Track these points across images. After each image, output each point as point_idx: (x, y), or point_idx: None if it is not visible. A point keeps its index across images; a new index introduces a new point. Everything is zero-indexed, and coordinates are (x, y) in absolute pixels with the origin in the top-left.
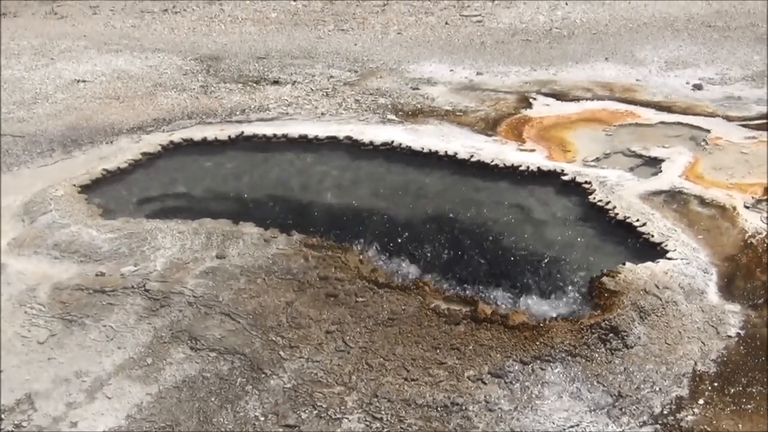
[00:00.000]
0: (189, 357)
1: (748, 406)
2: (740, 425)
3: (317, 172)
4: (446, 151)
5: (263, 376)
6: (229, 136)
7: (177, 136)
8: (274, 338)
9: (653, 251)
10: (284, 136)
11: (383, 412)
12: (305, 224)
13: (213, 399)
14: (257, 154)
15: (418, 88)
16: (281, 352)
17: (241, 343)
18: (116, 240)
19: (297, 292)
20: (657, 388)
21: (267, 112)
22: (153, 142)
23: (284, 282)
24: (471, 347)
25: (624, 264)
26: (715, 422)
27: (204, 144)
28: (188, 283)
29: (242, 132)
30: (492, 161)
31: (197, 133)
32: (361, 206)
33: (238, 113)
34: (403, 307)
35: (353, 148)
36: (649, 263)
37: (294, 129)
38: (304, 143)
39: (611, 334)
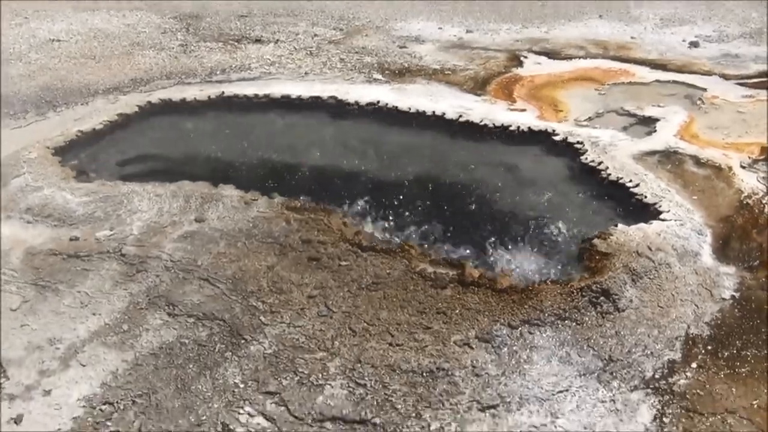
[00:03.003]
0: (166, 323)
1: (743, 370)
2: (734, 389)
3: (300, 134)
4: (434, 111)
5: (243, 342)
6: (209, 97)
7: (155, 97)
8: (254, 303)
9: (646, 212)
10: (266, 96)
11: (367, 378)
12: (287, 186)
13: (191, 366)
14: (238, 115)
15: (405, 47)
16: (262, 318)
17: (220, 308)
18: (91, 203)
19: (278, 256)
20: (649, 352)
21: (248, 72)
22: (130, 102)
23: (265, 246)
24: (457, 311)
25: (616, 225)
26: (708, 386)
27: (183, 105)
28: (166, 248)
29: (222, 92)
30: (481, 121)
31: (176, 94)
32: (345, 168)
33: (218, 73)
34: (387, 271)
35: (338, 108)
36: (641, 225)
37: (276, 89)
38: (286, 104)
39: (602, 297)
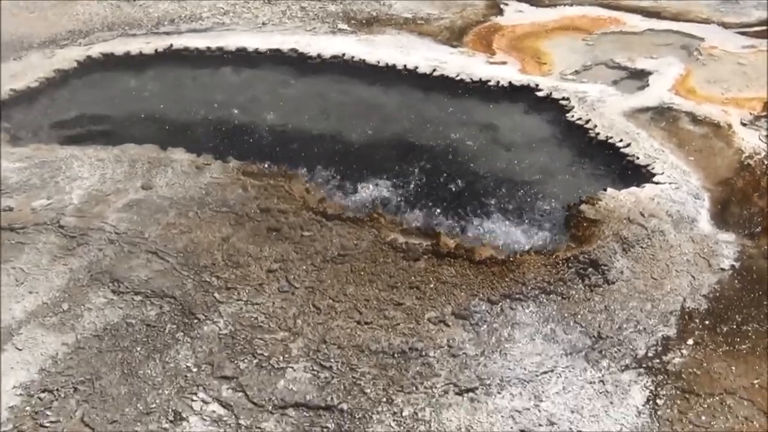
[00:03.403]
0: (111, 302)
1: (743, 346)
2: (734, 367)
3: (258, 90)
4: (405, 65)
5: (196, 321)
6: (156, 50)
7: (96, 51)
8: (208, 279)
9: (638, 175)
10: (220, 49)
11: (333, 360)
12: (244, 149)
13: (139, 348)
14: (188, 70)
15: None
16: (216, 295)
17: (170, 285)
18: (26, 170)
19: (234, 226)
20: (641, 328)
21: (200, 22)
22: (68, 57)
23: (219, 215)
24: (432, 286)
25: (605, 190)
26: (705, 364)
27: (127, 59)
28: (109, 218)
29: (171, 45)
30: (457, 76)
31: (119, 47)
32: (308, 128)
33: (166, 23)
34: (355, 242)
35: (299, 62)
36: (633, 188)
37: (231, 41)
38: (242, 57)
39: (590, 269)
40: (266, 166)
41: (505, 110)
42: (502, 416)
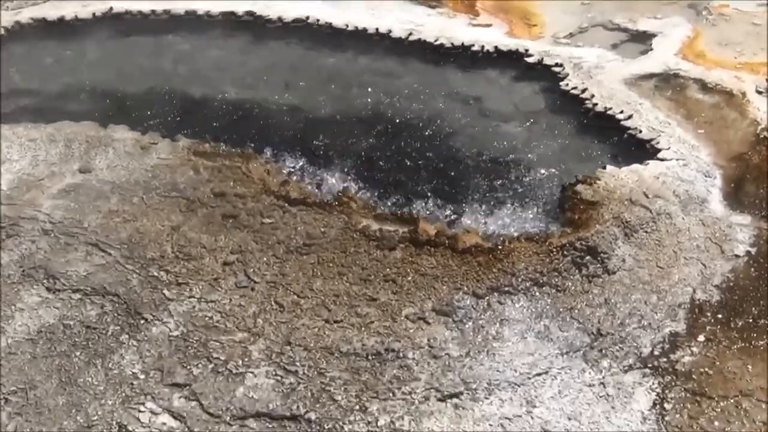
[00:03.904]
0: (46, 300)
1: (760, 342)
2: (750, 366)
3: (210, 59)
4: (377, 29)
5: (143, 322)
6: (94, 14)
7: (25, 15)
8: (156, 273)
9: (641, 151)
10: (166, 12)
11: (298, 364)
12: (195, 126)
13: (78, 353)
14: (131, 37)
15: None
16: (166, 291)
17: (113, 281)
18: None
19: (185, 213)
20: (646, 323)
21: None
22: None
23: (168, 201)
24: (410, 278)
25: (604, 168)
26: (718, 363)
27: (61, 25)
28: (43, 206)
29: (110, 8)
30: (436, 40)
31: (51, 11)
32: (268, 102)
33: None
34: (322, 230)
35: (257, 26)
36: (635, 166)
37: (179, 3)
38: (192, 21)
39: (588, 257)
40: (221, 144)
41: (491, 79)
42: (490, 425)
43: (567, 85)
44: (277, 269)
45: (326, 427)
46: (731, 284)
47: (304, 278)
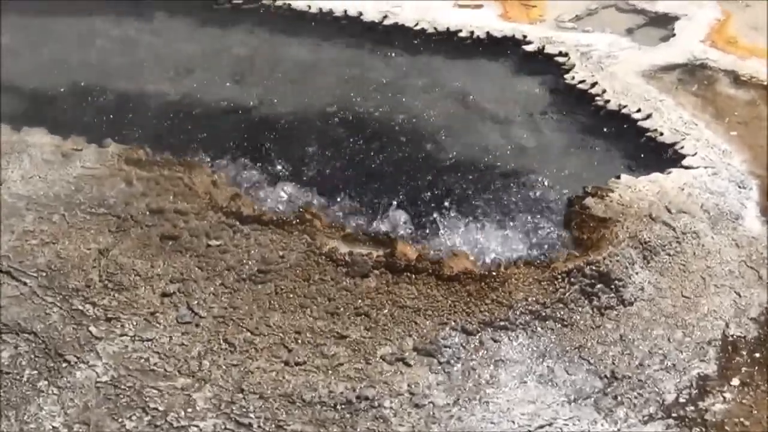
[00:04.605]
0: None
1: None
2: None
3: (145, 47)
4: (346, 11)
5: (65, 365)
6: None
7: None
8: (80, 307)
9: (662, 157)
10: None
11: (253, 415)
12: (127, 129)
13: None
14: (49, 20)
15: None
16: (93, 328)
17: (28, 315)
18: None
19: (115, 234)
20: (669, 365)
21: None
22: None
23: (95, 219)
24: (386, 312)
25: (618, 177)
26: (756, 411)
27: None
28: None
29: None
30: (416, 24)
31: None
32: (215, 99)
33: None
34: (281, 253)
35: (202, 8)
36: (656, 175)
37: None
38: (123, 2)
39: (600, 285)
40: (158, 151)
41: (482, 71)
42: None
43: (573, 78)
44: (226, 301)
45: None
46: None
47: (259, 312)
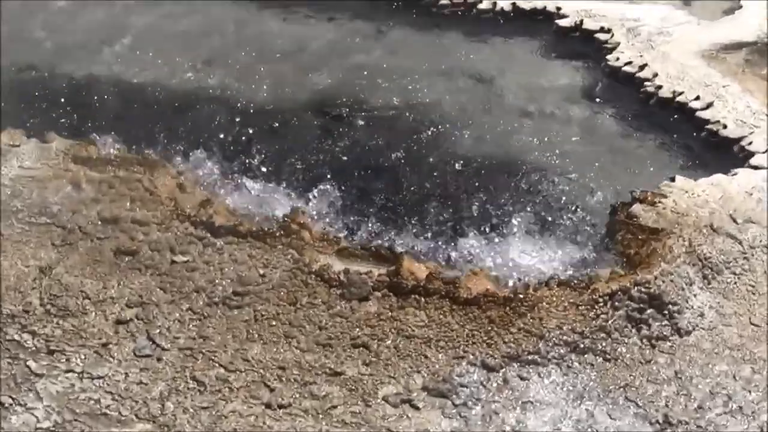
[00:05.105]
0: None
1: None
2: None
3: (97, 21)
4: None
5: None
6: None
7: None
8: (17, 336)
9: (726, 154)
10: None
11: None
12: (74, 119)
13: None
14: None
15: None
16: (32, 363)
17: None
18: None
19: (60, 248)
20: (735, 407)
21: None
22: None
23: (36, 230)
24: (389, 342)
25: (673, 179)
26: None
27: None
28: None
29: None
30: None
31: None
32: (181, 84)
33: None
34: (261, 272)
35: None
36: (718, 177)
37: None
38: None
39: (650, 310)
40: (113, 147)
41: (507, 50)
42: None
43: (617, 59)
44: (194, 330)
45: None
46: None
47: (234, 343)
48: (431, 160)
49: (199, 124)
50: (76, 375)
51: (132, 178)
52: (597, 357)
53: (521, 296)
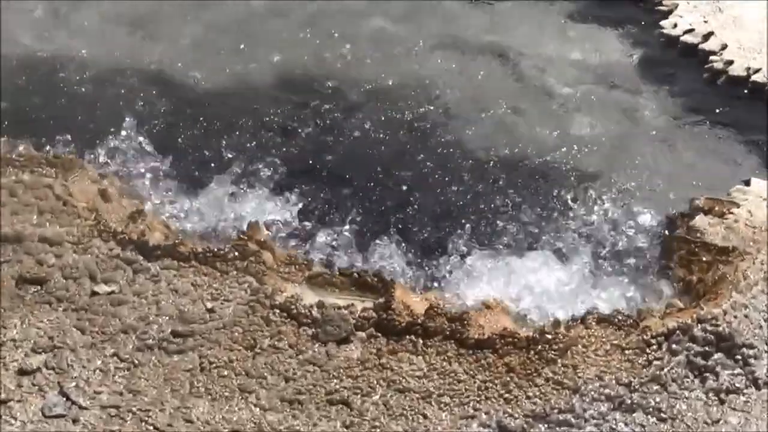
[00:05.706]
0: None
1: None
2: None
3: None
4: None
5: None
6: None
7: None
8: None
9: None
10: None
11: None
12: None
13: None
14: None
15: None
16: None
17: None
18: None
19: None
20: None
21: None
22: None
23: None
24: (376, 398)
25: (747, 184)
26: None
27: None
28: None
29: None
30: None
31: None
32: (111, 62)
33: None
34: (209, 305)
35: None
36: None
37: None
38: None
39: (718, 355)
40: (16, 142)
41: (529, 16)
42: None
43: (675, 26)
44: (122, 382)
45: None
46: None
47: (174, 399)
48: (432, 159)
49: (133, 112)
50: None
51: (40, 183)
52: (649, 416)
53: (549, 337)
